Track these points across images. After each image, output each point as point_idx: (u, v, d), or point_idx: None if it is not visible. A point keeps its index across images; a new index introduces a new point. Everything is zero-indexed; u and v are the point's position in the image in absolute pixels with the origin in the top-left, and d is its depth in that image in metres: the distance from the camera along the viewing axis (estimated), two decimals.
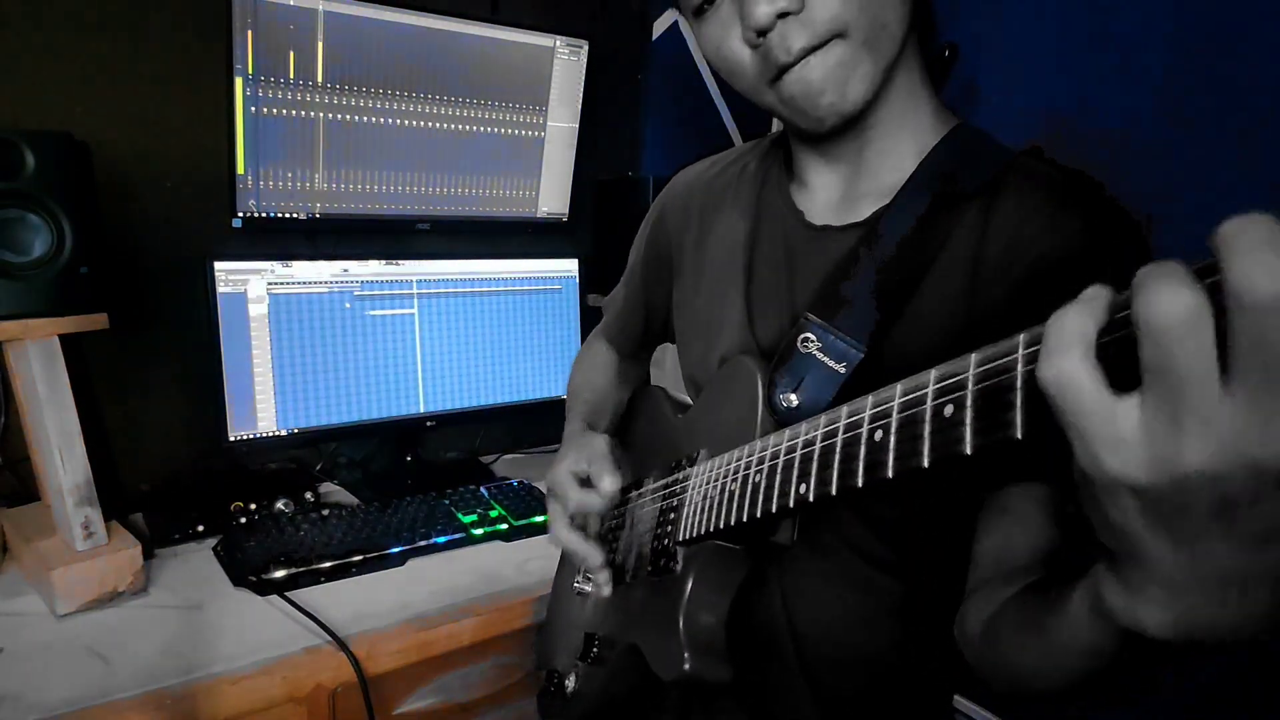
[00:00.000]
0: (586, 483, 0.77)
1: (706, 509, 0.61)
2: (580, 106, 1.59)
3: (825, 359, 0.59)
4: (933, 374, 0.40)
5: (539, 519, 1.36)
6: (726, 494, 0.58)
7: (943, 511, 0.60)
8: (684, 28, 1.79)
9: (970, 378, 0.37)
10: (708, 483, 0.62)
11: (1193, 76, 1.24)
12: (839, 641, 0.66)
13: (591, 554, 0.75)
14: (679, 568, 0.64)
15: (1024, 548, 0.52)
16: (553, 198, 1.64)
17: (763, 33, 0.56)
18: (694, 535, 0.62)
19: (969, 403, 0.36)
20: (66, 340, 1.02)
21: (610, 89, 1.72)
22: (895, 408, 0.42)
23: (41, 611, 1.03)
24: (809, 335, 0.60)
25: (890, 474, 0.41)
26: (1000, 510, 0.55)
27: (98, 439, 1.23)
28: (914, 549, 0.63)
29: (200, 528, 1.23)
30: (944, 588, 0.62)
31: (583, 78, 1.57)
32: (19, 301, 0.98)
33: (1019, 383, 0.34)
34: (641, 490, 0.78)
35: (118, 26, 1.22)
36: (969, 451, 0.36)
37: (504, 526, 1.33)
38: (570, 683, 0.79)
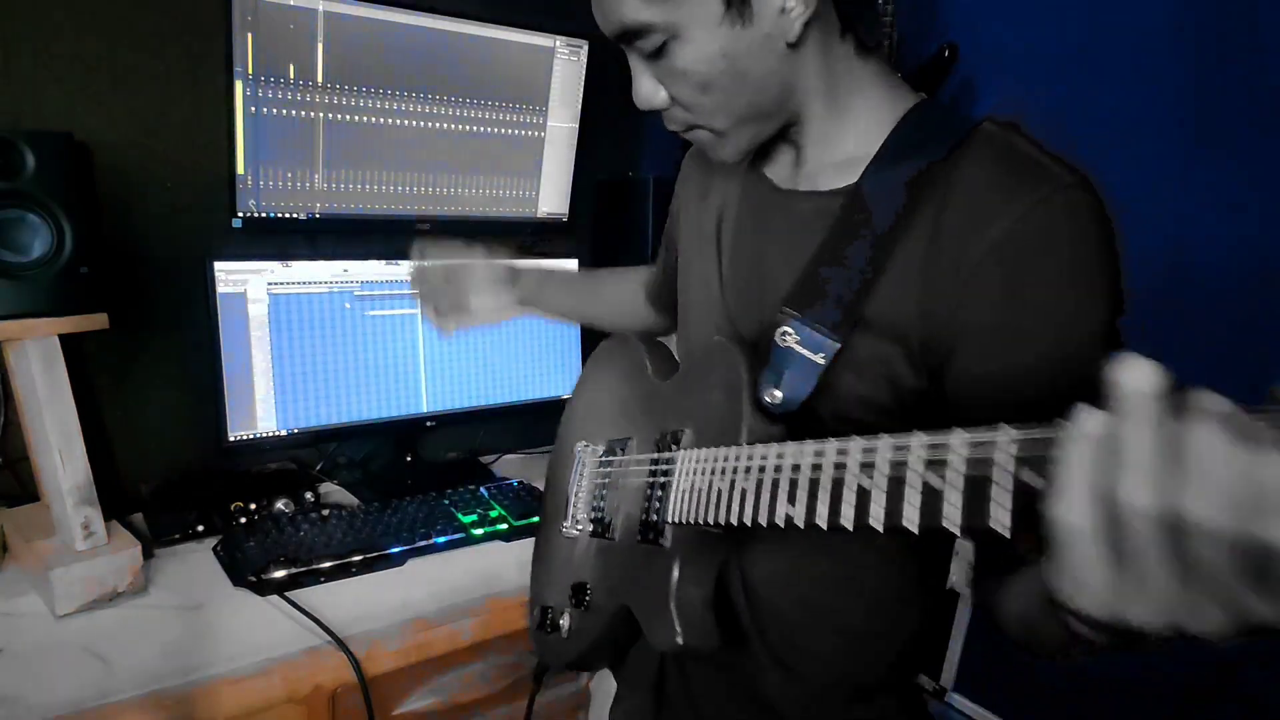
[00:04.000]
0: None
1: (695, 500, 0.62)
2: (580, 106, 1.59)
3: (804, 351, 0.60)
4: (924, 438, 0.41)
5: (539, 519, 1.36)
6: (714, 491, 0.59)
7: None
8: None
9: (960, 459, 0.38)
10: (696, 473, 0.63)
11: (1193, 75, 1.24)
12: (793, 601, 0.69)
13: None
14: (668, 544, 0.67)
15: None
16: (553, 198, 1.64)
17: None
18: (682, 521, 0.65)
19: (961, 486, 0.38)
20: (66, 340, 1.02)
21: (610, 89, 1.72)
22: (886, 465, 0.43)
23: (41, 611, 1.03)
24: (787, 329, 0.62)
25: (881, 529, 0.43)
26: None
27: (98, 439, 1.23)
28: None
29: (200, 528, 1.23)
30: (902, 549, 0.66)
31: (583, 78, 1.57)
32: (19, 301, 0.99)
33: (1011, 486, 0.36)
34: (627, 452, 0.79)
35: (118, 26, 1.22)
36: (957, 533, 0.38)
37: (504, 526, 1.33)
38: (565, 623, 0.82)
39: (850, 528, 0.45)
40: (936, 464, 0.39)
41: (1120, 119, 1.33)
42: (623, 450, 0.81)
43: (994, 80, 1.45)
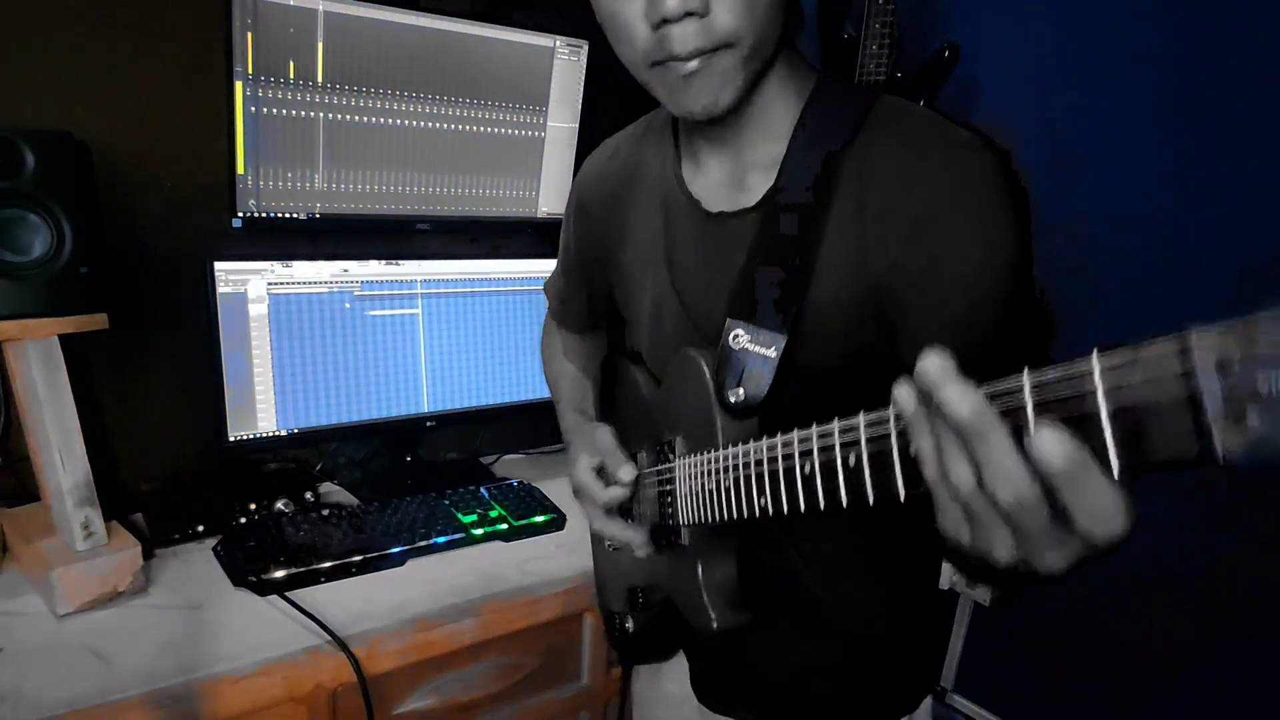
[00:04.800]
0: (602, 473, 0.85)
1: (696, 504, 0.69)
2: (580, 106, 1.59)
3: (756, 348, 0.65)
4: (837, 426, 0.47)
5: (539, 519, 1.37)
6: (707, 493, 0.66)
7: None
8: None
9: (862, 437, 0.44)
10: (691, 478, 0.70)
11: (1195, 75, 1.24)
12: (835, 547, 0.75)
13: (634, 537, 0.83)
14: (686, 542, 0.74)
15: None
16: (553, 198, 1.64)
17: (666, 21, 0.58)
18: (691, 523, 0.71)
19: (865, 460, 0.44)
20: (66, 340, 1.02)
21: (610, 89, 1.72)
22: (815, 450, 0.49)
23: (41, 611, 1.03)
24: (737, 332, 0.66)
25: (822, 506, 0.49)
26: None
27: (98, 439, 1.23)
28: None
29: (200, 528, 1.23)
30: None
31: (583, 78, 1.57)
32: (19, 301, 0.99)
33: (894, 450, 0.42)
34: (639, 464, 0.85)
35: (117, 26, 1.22)
36: (872, 502, 0.44)
37: (504, 526, 1.33)
38: (630, 625, 0.91)
39: (803, 510, 0.51)
40: (849, 445, 0.45)
41: (1120, 118, 1.33)
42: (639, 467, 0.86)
43: (994, 80, 1.45)
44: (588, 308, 1.00)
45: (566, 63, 1.54)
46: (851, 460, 0.45)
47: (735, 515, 0.61)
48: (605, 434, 0.85)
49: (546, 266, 1.59)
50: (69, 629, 1.00)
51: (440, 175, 1.49)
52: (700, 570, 0.71)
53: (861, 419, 0.44)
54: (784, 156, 0.66)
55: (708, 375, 0.68)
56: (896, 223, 0.60)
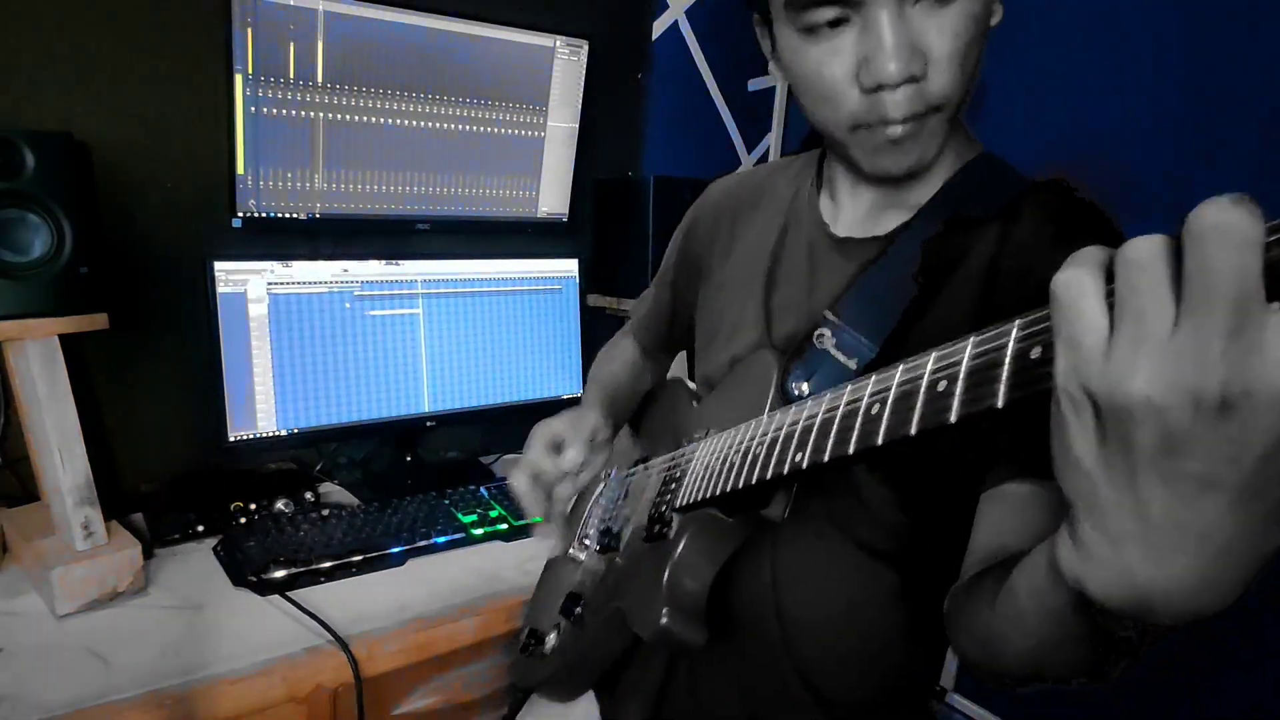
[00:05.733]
0: (560, 450, 0.83)
1: (706, 478, 0.63)
2: (580, 106, 1.59)
3: (838, 354, 0.62)
4: (933, 354, 0.41)
5: (539, 519, 1.36)
6: (727, 464, 0.60)
7: (943, 506, 0.61)
8: (684, 28, 1.78)
9: (966, 356, 0.39)
10: (711, 454, 0.64)
11: (1199, 79, 1.24)
12: (826, 623, 0.68)
13: (532, 504, 0.82)
14: (672, 533, 0.65)
15: (1019, 535, 0.53)
16: (553, 198, 1.64)
17: (882, 87, 0.57)
18: (691, 502, 0.64)
19: (960, 376, 0.38)
20: (66, 340, 1.02)
21: (610, 89, 1.72)
22: (894, 384, 0.43)
23: (41, 611, 1.03)
24: (824, 331, 0.63)
25: (880, 441, 0.43)
26: (998, 501, 0.56)
27: (98, 439, 1.23)
28: (913, 541, 0.65)
29: (200, 528, 1.23)
30: (939, 580, 0.63)
31: (583, 78, 1.57)
32: (19, 301, 0.99)
33: (1007, 357, 0.36)
34: (648, 465, 0.79)
35: (117, 26, 1.22)
36: (953, 419, 0.38)
37: (504, 526, 1.33)
38: (550, 640, 0.80)
39: (851, 451, 0.45)
40: (944, 368, 0.40)
41: (1122, 118, 1.33)
42: (645, 466, 0.81)
43: (995, 82, 1.45)
44: (666, 327, 0.98)
45: (566, 63, 1.54)
46: (941, 385, 0.39)
47: (755, 478, 0.55)
48: (591, 417, 0.84)
49: (546, 267, 1.61)
50: (69, 629, 1.00)
51: (440, 175, 1.49)
52: (674, 559, 0.63)
53: (971, 339, 0.39)
54: (926, 202, 0.65)
55: (775, 370, 0.64)
56: (1024, 292, 0.58)
